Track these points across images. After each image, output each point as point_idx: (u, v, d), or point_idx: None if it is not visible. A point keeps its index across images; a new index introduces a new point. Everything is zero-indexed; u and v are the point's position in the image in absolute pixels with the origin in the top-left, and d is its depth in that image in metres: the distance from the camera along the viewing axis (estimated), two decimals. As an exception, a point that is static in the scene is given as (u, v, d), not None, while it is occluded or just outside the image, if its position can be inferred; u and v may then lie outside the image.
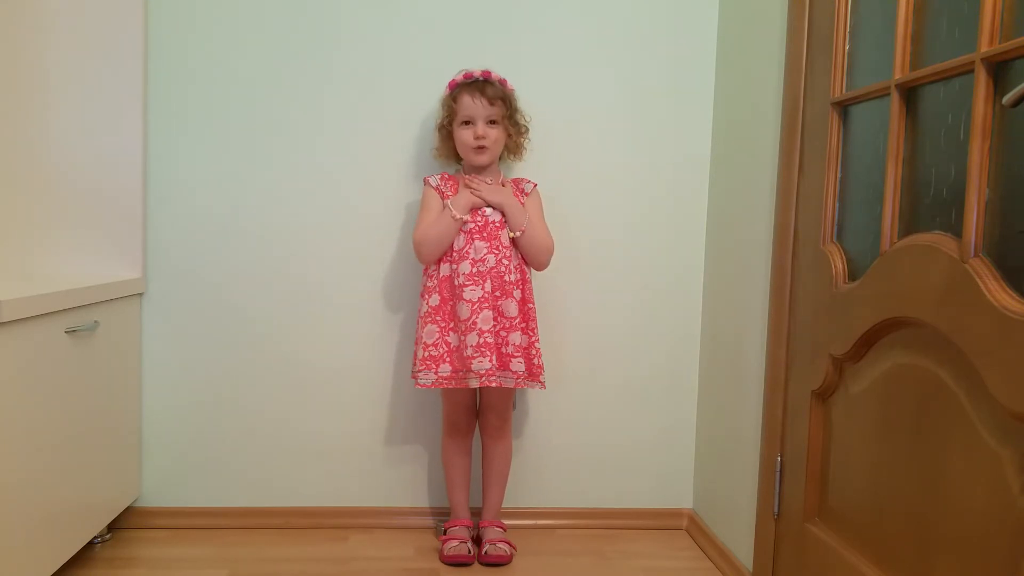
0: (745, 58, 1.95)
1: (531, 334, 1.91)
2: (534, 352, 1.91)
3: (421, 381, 1.87)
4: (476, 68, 1.93)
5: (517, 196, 1.95)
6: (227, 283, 2.10)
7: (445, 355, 1.88)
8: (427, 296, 1.91)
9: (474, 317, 1.85)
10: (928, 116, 1.27)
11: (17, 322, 1.46)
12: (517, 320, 1.88)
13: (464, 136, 1.90)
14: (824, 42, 1.56)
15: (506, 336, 1.88)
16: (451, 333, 1.89)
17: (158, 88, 2.05)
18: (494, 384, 1.85)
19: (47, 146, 1.97)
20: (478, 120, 1.89)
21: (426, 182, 1.97)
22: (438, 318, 1.88)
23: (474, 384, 1.86)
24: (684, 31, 2.14)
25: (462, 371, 1.87)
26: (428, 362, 1.87)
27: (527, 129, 1.99)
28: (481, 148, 1.89)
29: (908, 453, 1.27)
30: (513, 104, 1.95)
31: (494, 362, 1.85)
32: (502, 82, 1.94)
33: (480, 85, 1.90)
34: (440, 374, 1.87)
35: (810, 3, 1.62)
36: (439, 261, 1.91)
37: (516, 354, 1.87)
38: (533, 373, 1.91)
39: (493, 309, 1.87)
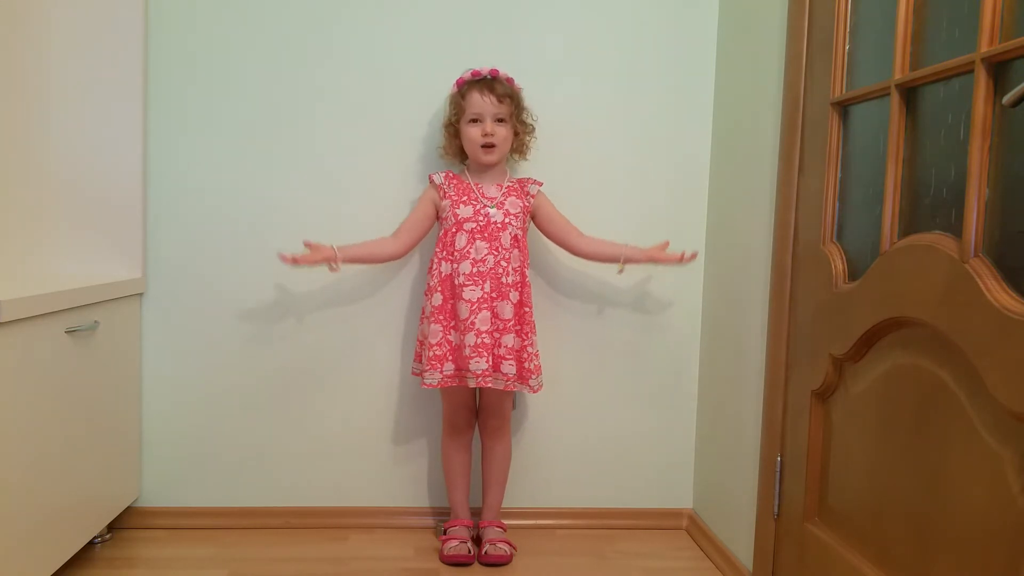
0: (745, 58, 1.95)
1: (524, 337, 1.92)
2: (526, 356, 1.91)
3: (427, 380, 1.88)
4: (483, 67, 1.95)
5: (521, 198, 1.96)
6: (227, 283, 2.10)
7: (448, 354, 1.89)
8: (430, 295, 1.92)
9: (472, 317, 1.86)
10: (928, 116, 1.27)
11: (17, 322, 1.46)
12: (511, 322, 1.89)
13: (472, 133, 1.90)
14: (824, 42, 1.56)
15: (499, 338, 1.88)
16: (452, 332, 1.90)
17: (158, 88, 2.05)
18: (488, 385, 1.86)
19: (47, 146, 1.97)
20: (486, 117, 1.89)
21: (430, 180, 1.98)
22: (441, 317, 1.89)
23: (472, 383, 1.87)
24: (684, 31, 2.14)
25: (462, 370, 1.88)
26: (433, 361, 1.88)
27: (533, 128, 2.00)
28: (490, 146, 1.90)
29: (908, 453, 1.27)
30: (520, 103, 1.96)
31: (489, 363, 1.85)
32: (509, 80, 1.95)
33: (489, 83, 1.91)
34: (445, 372, 1.88)
35: (810, 3, 1.62)
36: (440, 260, 1.91)
37: (508, 356, 1.88)
38: (523, 376, 1.92)
39: (490, 310, 1.87)
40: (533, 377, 1.93)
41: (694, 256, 1.96)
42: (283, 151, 2.09)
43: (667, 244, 1.98)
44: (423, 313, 1.96)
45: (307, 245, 1.86)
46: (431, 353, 1.88)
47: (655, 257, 1.98)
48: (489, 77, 1.93)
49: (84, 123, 1.98)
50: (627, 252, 1.98)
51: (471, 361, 1.85)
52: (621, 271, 2.02)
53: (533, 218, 2.01)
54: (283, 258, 1.84)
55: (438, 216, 1.98)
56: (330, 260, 1.87)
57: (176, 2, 2.04)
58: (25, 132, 1.96)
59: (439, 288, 1.90)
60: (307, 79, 2.08)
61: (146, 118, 2.03)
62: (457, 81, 1.96)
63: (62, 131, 1.97)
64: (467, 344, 1.85)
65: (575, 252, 2.03)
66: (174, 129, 2.06)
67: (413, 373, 2.03)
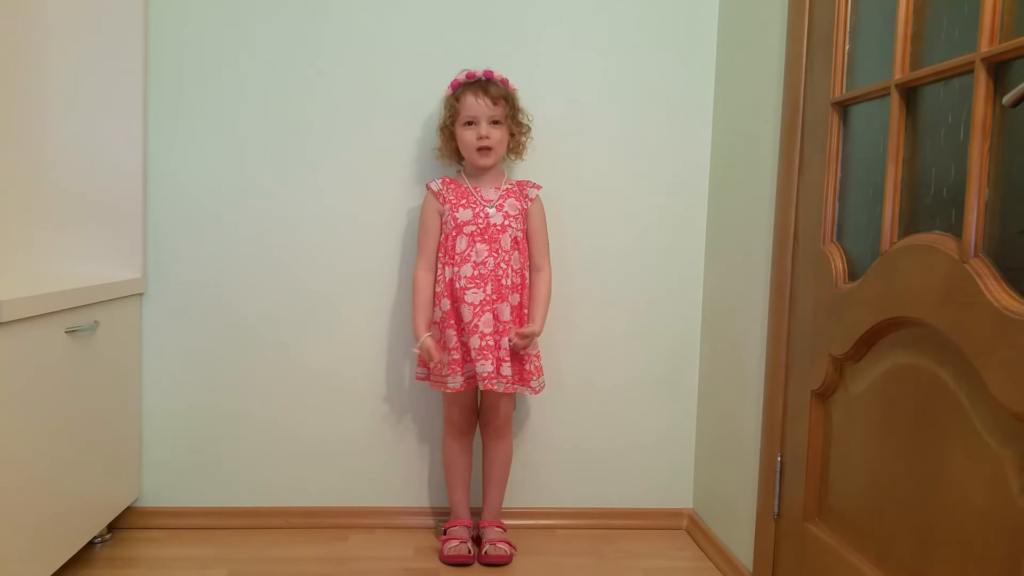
0: (745, 58, 1.95)
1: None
2: (526, 357, 1.92)
3: (451, 385, 1.88)
4: (478, 69, 1.94)
5: (520, 200, 1.95)
6: (227, 283, 2.10)
7: (464, 356, 1.89)
8: (438, 301, 1.91)
9: (476, 320, 1.85)
10: (928, 116, 1.27)
11: (17, 322, 1.46)
12: (509, 324, 1.89)
13: (467, 136, 1.90)
14: (824, 42, 1.56)
15: (499, 340, 1.88)
16: (463, 334, 1.90)
17: (158, 88, 2.05)
18: (494, 387, 1.86)
19: (47, 146, 1.97)
20: (481, 120, 1.89)
21: (428, 188, 1.97)
22: (452, 322, 1.89)
23: (481, 386, 1.87)
24: (684, 31, 2.14)
25: (472, 373, 1.88)
26: (453, 365, 1.88)
27: (529, 128, 2.00)
28: (485, 149, 1.90)
29: (908, 453, 1.27)
30: (515, 104, 1.95)
31: (494, 365, 1.85)
32: (504, 82, 1.94)
33: (483, 85, 1.90)
34: (466, 374, 1.89)
35: (810, 3, 1.62)
36: (443, 265, 1.91)
37: (506, 359, 1.88)
38: (524, 378, 1.92)
39: (492, 312, 1.87)
40: (534, 378, 1.93)
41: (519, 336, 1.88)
42: (282, 151, 2.09)
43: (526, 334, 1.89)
44: (433, 319, 1.95)
45: (428, 355, 1.89)
46: (450, 358, 1.88)
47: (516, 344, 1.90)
48: (483, 79, 1.91)
49: (84, 123, 1.98)
50: (522, 332, 1.89)
51: (477, 364, 1.85)
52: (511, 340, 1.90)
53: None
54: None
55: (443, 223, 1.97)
56: (434, 349, 1.88)
57: (176, 3, 2.04)
58: (25, 132, 1.96)
59: (445, 294, 1.90)
60: (306, 80, 2.08)
61: (146, 118, 2.03)
62: (452, 83, 1.95)
63: (62, 131, 1.97)
64: (472, 347, 1.85)
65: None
66: (174, 129, 2.06)
67: (417, 378, 2.02)
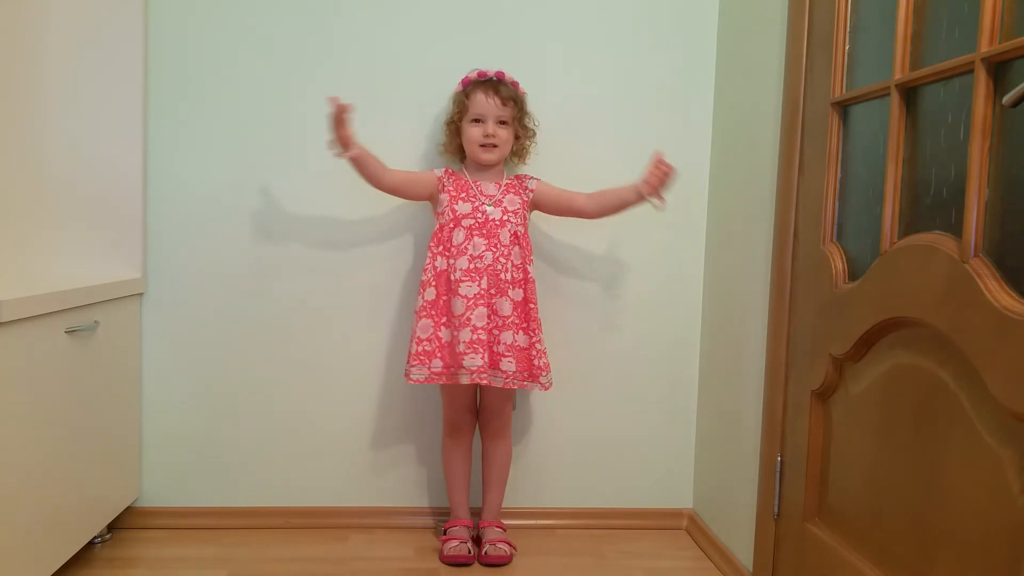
0: (745, 58, 1.96)
1: (531, 334, 1.91)
2: (535, 353, 1.91)
3: (414, 376, 1.87)
4: (489, 69, 1.95)
5: (520, 194, 1.96)
6: (227, 283, 2.10)
7: (437, 350, 1.87)
8: (423, 290, 1.91)
9: (468, 313, 1.85)
10: (928, 116, 1.27)
11: (17, 322, 1.46)
12: (511, 319, 1.88)
13: (474, 133, 1.91)
14: (824, 42, 1.56)
15: (498, 335, 1.87)
16: (443, 328, 1.88)
17: (158, 88, 2.05)
18: (484, 382, 1.85)
19: (47, 146, 1.97)
20: (489, 118, 1.90)
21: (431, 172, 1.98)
22: (433, 312, 1.88)
23: (464, 380, 1.85)
24: (684, 31, 2.15)
25: (453, 367, 1.87)
26: (421, 356, 1.87)
27: (535, 133, 2.00)
28: (490, 146, 1.90)
29: (908, 453, 1.27)
30: (523, 107, 1.97)
31: (485, 360, 1.85)
32: (514, 84, 1.96)
33: (494, 84, 1.91)
34: (432, 369, 1.87)
35: (810, 3, 1.62)
36: (436, 255, 1.91)
37: (507, 354, 1.87)
38: (533, 374, 1.91)
39: (488, 307, 1.87)
40: (544, 374, 1.92)
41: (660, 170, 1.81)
42: (283, 151, 2.09)
43: (657, 158, 1.83)
44: (415, 308, 1.95)
45: (345, 110, 1.74)
46: (419, 348, 1.87)
47: (644, 193, 1.86)
48: (495, 79, 1.93)
49: (84, 123, 1.98)
50: (635, 192, 1.86)
51: (465, 358, 1.84)
52: (660, 207, 1.88)
53: (539, 208, 2.00)
54: (332, 99, 1.74)
55: (431, 200, 1.97)
56: (347, 143, 1.79)
57: (176, 3, 2.04)
58: (25, 132, 1.96)
59: (433, 283, 1.89)
60: (307, 81, 2.08)
61: (146, 118, 2.03)
62: (462, 80, 1.96)
63: (62, 131, 1.97)
64: (461, 340, 1.84)
65: (587, 216, 1.98)
66: (174, 129, 2.06)
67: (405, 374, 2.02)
